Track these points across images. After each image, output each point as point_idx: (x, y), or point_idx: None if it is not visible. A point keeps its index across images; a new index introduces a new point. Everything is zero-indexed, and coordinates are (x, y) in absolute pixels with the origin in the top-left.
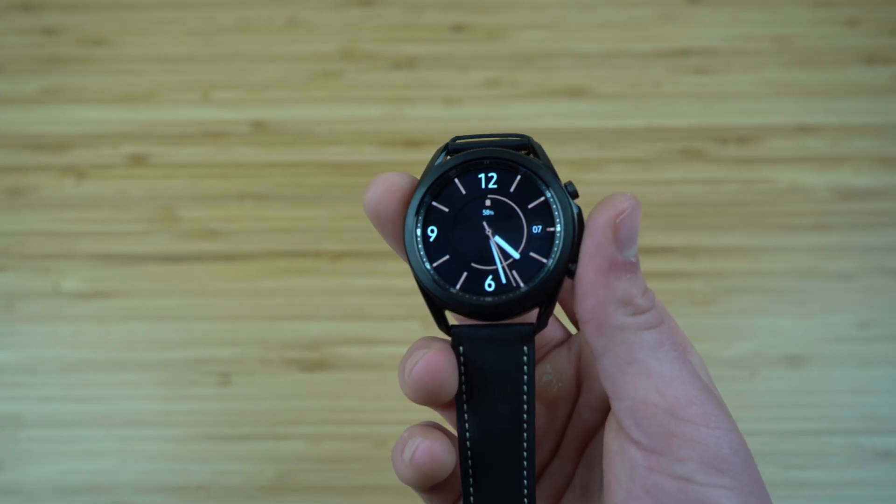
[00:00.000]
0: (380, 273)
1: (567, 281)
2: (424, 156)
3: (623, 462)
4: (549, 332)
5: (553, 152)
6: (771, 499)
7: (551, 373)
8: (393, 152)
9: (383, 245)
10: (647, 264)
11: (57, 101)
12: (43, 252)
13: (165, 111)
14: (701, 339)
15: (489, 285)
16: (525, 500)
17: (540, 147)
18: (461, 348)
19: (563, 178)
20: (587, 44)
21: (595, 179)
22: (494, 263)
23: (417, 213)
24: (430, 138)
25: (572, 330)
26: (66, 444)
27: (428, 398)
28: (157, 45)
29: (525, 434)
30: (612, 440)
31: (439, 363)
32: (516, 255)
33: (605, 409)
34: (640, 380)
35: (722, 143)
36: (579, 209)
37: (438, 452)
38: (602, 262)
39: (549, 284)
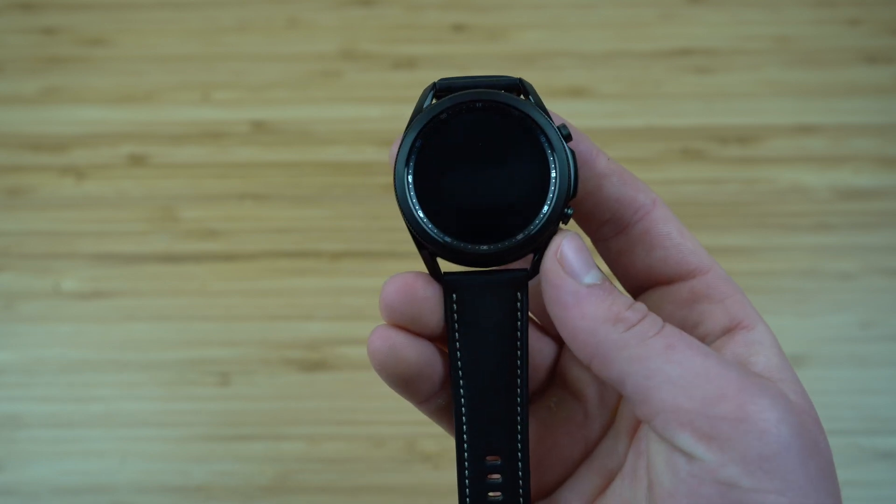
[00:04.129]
0: (380, 273)
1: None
2: None
3: (666, 467)
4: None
5: None
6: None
7: None
8: None
9: (383, 245)
10: None
11: (56, 101)
12: (43, 252)
13: (165, 111)
14: None
15: (485, 232)
16: (518, 438)
17: (532, 87)
18: (454, 296)
19: None
20: (587, 44)
21: None
22: (490, 210)
23: (408, 160)
24: None
25: None
26: (66, 444)
27: (404, 319)
28: (157, 45)
29: (518, 378)
30: (655, 448)
31: (415, 282)
32: (512, 200)
33: None
34: (664, 390)
35: (722, 142)
36: (573, 152)
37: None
38: (568, 297)
39: (546, 231)
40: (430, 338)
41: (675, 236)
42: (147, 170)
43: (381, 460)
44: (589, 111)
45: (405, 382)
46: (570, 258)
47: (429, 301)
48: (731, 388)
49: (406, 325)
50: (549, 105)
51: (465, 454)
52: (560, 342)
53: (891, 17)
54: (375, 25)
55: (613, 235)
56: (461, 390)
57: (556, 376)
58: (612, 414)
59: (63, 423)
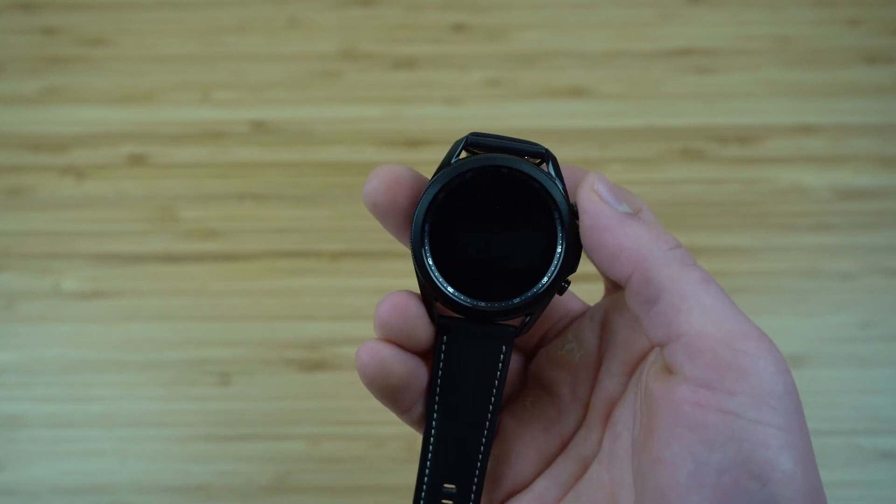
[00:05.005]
0: (380, 273)
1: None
2: (425, 156)
3: (668, 403)
4: (568, 304)
5: (554, 152)
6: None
7: (573, 341)
8: (393, 152)
9: (383, 245)
10: None
11: (57, 101)
12: (43, 252)
13: (165, 111)
14: None
15: (485, 290)
16: (476, 473)
17: (555, 160)
18: (445, 337)
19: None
20: (587, 44)
21: None
22: (494, 270)
23: (428, 209)
24: (430, 138)
25: (589, 302)
26: (66, 444)
27: (398, 335)
28: (157, 45)
29: (487, 421)
30: (658, 386)
31: (408, 302)
32: (516, 265)
33: (627, 375)
34: (694, 314)
35: (722, 142)
36: None
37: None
38: (608, 221)
39: (541, 300)
40: (419, 352)
41: None
42: (147, 170)
43: (381, 460)
44: (589, 111)
45: (392, 394)
46: (603, 190)
47: (421, 318)
48: (754, 332)
49: (398, 340)
50: (549, 104)
51: (425, 480)
52: (527, 354)
53: (891, 17)
54: (375, 25)
55: None
56: (433, 423)
57: (531, 378)
58: (585, 408)
59: (63, 423)
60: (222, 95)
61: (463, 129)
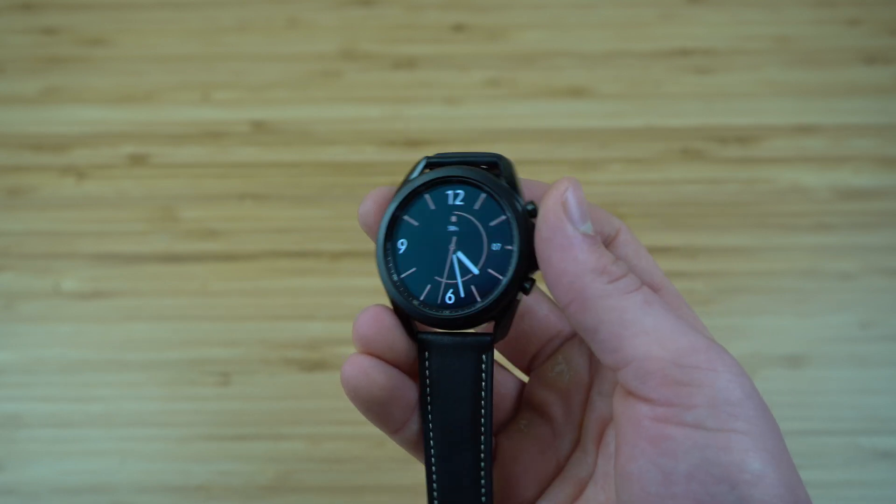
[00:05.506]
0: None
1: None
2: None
3: (629, 420)
4: (558, 326)
5: (553, 152)
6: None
7: (562, 363)
8: (393, 152)
9: None
10: None
11: (57, 101)
12: (43, 252)
13: (165, 111)
14: None
15: (449, 298)
16: (483, 490)
17: (509, 166)
18: (426, 353)
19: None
20: (587, 44)
21: (596, 179)
22: (455, 278)
23: (389, 227)
24: (430, 138)
25: None
26: (66, 444)
27: (378, 347)
28: (157, 45)
29: (483, 434)
30: (619, 404)
31: (384, 314)
32: (475, 270)
33: None
34: (638, 339)
35: (722, 142)
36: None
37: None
38: (563, 240)
39: (503, 300)
40: (402, 365)
41: (630, 258)
42: (147, 170)
43: (381, 460)
44: (589, 111)
45: (378, 407)
46: (572, 204)
47: (399, 330)
48: (701, 345)
49: (379, 353)
50: (549, 104)
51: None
52: (519, 379)
53: (891, 17)
54: (375, 25)
55: None
56: (431, 442)
57: (524, 401)
58: (579, 429)
59: (63, 423)
60: (222, 95)
61: (463, 129)
